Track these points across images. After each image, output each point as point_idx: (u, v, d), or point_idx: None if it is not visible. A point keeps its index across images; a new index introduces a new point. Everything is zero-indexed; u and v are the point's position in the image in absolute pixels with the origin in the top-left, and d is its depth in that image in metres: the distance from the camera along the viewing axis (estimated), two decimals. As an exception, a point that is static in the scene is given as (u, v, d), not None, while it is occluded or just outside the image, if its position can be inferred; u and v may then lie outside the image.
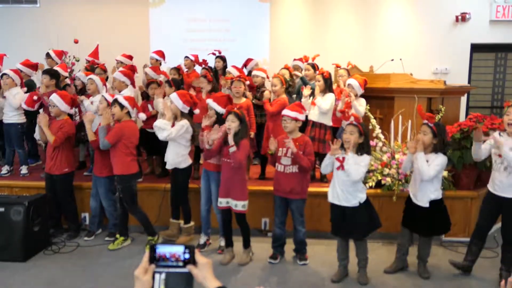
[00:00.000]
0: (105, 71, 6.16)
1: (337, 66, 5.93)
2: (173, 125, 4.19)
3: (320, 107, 4.84)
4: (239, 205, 3.89)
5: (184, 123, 4.20)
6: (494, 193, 3.55)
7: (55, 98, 4.46)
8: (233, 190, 3.88)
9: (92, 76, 5.16)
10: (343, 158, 3.50)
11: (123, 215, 4.43)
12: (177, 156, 4.28)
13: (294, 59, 6.45)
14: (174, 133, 4.13)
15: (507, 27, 7.71)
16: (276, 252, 4.13)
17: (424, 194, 3.61)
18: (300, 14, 8.04)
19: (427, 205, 3.60)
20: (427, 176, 3.50)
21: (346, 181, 3.51)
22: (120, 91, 5.01)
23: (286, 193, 3.92)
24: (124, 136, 4.18)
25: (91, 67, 6.26)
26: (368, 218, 3.60)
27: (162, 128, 4.12)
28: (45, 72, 5.23)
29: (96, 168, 4.51)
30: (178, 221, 4.56)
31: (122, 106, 4.21)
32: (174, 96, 4.24)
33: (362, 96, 4.89)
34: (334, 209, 3.65)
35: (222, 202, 3.93)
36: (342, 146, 3.56)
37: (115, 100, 4.24)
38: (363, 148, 3.55)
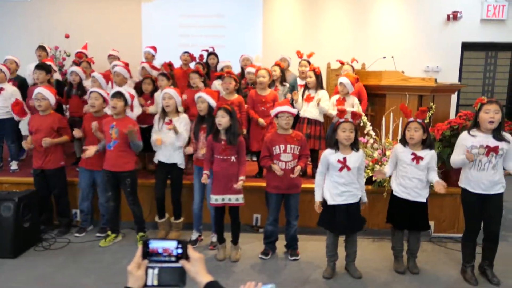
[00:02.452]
0: (90, 65, 6.13)
1: (341, 62, 5.94)
2: (170, 121, 4.23)
3: (323, 110, 4.88)
4: (240, 199, 3.92)
5: (186, 121, 4.28)
6: (480, 192, 3.50)
7: (45, 92, 4.39)
8: (231, 185, 3.88)
9: (94, 73, 5.12)
10: (344, 158, 3.54)
11: (115, 211, 4.42)
12: (179, 152, 4.32)
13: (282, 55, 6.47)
14: (186, 134, 4.25)
15: (498, 26, 7.79)
16: (268, 248, 4.15)
17: (424, 190, 3.69)
18: (293, 10, 8.04)
19: (425, 200, 3.70)
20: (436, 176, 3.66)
21: (352, 179, 3.56)
22: (120, 86, 4.99)
23: (286, 189, 3.94)
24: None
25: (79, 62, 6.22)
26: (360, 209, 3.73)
27: (180, 136, 4.21)
28: (40, 67, 5.12)
29: (92, 162, 4.42)
30: (164, 219, 4.56)
31: (126, 101, 4.22)
32: (174, 92, 4.27)
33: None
34: (338, 210, 3.61)
35: (218, 199, 3.91)
36: (336, 144, 3.59)
37: (121, 94, 4.20)
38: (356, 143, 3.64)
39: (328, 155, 3.60)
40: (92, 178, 4.55)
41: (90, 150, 4.21)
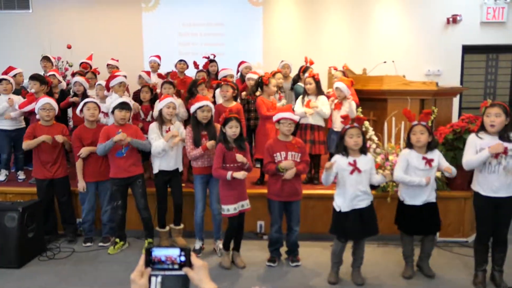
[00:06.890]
0: (95, 75, 6.17)
1: (334, 69, 5.95)
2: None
3: (322, 113, 4.86)
4: (249, 204, 3.97)
5: (182, 129, 4.38)
6: (493, 195, 3.45)
7: (52, 102, 4.52)
8: (244, 192, 3.93)
9: (101, 82, 5.20)
10: (354, 161, 3.54)
11: (122, 219, 4.43)
12: (179, 158, 4.37)
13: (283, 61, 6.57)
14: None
15: (498, 29, 7.80)
16: (275, 255, 4.13)
17: (432, 191, 3.70)
18: (292, 17, 8.08)
19: (435, 200, 3.71)
20: (455, 173, 3.65)
21: (363, 182, 3.57)
22: (121, 96, 5.03)
23: (288, 197, 3.93)
24: None
25: (83, 72, 6.27)
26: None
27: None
28: (34, 78, 5.16)
29: (98, 173, 4.47)
30: (166, 229, 4.55)
31: (130, 110, 4.38)
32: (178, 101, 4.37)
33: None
34: (352, 215, 3.57)
35: (237, 208, 3.88)
36: (344, 150, 3.59)
37: (128, 105, 4.32)
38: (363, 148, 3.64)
39: (340, 159, 3.58)
40: (95, 188, 4.56)
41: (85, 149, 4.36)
